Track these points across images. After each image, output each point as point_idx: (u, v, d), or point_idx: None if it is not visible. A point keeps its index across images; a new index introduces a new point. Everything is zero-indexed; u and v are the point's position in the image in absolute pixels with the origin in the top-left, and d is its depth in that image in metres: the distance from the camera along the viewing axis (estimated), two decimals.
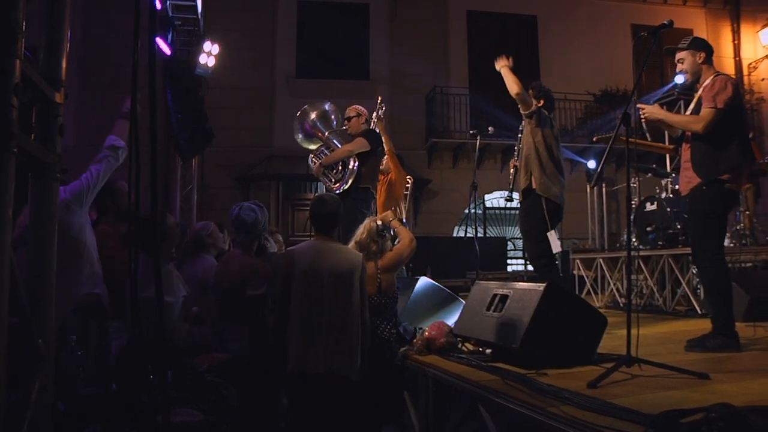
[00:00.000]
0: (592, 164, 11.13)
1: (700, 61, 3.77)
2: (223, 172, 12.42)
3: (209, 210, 11.90)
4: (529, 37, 14.06)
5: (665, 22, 3.23)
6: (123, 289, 3.42)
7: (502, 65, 4.55)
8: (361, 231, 3.95)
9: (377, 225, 3.94)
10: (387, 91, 13.12)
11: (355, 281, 3.37)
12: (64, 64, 1.50)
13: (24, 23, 1.23)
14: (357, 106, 5.50)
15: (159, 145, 1.55)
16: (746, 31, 14.84)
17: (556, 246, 4.41)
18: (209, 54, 10.16)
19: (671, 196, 6.85)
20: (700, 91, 3.76)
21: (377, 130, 5.45)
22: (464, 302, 3.97)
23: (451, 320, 3.87)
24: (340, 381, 3.24)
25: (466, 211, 12.96)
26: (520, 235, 13.74)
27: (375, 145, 5.15)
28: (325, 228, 3.53)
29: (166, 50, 9.39)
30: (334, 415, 3.30)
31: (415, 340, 3.65)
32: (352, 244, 3.89)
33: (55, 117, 1.47)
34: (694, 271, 6.11)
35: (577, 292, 7.13)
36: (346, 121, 5.39)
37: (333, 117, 5.40)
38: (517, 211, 13.16)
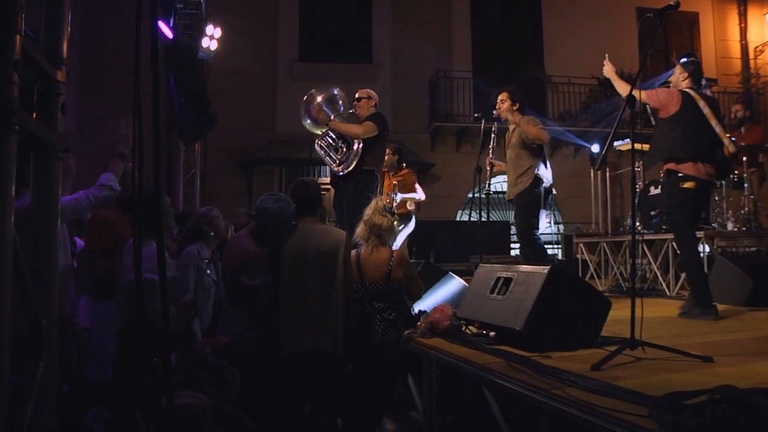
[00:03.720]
0: (595, 148, 11.06)
1: None
2: (226, 157, 12.40)
3: (212, 195, 11.89)
4: (533, 20, 13.81)
5: (671, 3, 3.19)
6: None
7: None
8: (368, 210, 3.96)
9: (384, 204, 3.97)
10: (390, 74, 13.07)
11: (339, 259, 3.45)
12: (65, 42, 1.48)
13: (24, 1, 1.21)
14: (369, 89, 5.49)
15: (162, 130, 1.52)
16: (753, 14, 14.66)
17: None
18: (211, 38, 10.04)
19: None
20: None
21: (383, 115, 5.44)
22: None
23: None
24: (326, 358, 3.32)
25: (470, 195, 12.91)
26: None
27: (382, 129, 5.13)
28: (309, 210, 3.61)
29: (168, 34, 9.30)
30: (327, 394, 3.39)
31: (419, 323, 3.65)
32: (360, 224, 3.89)
33: (56, 95, 1.45)
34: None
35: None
36: (355, 102, 5.36)
37: (340, 102, 5.37)
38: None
